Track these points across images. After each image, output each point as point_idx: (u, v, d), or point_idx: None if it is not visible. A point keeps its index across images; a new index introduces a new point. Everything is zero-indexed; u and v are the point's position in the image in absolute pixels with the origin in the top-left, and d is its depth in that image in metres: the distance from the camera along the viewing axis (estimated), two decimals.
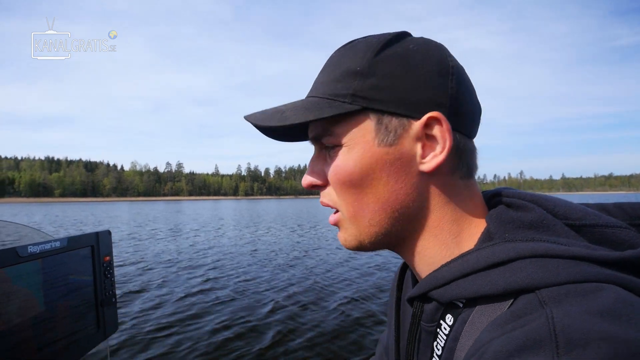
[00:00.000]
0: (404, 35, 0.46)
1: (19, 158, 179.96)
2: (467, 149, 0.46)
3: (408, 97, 0.43)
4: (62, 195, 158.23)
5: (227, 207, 50.39)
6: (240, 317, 4.98)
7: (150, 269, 8.26)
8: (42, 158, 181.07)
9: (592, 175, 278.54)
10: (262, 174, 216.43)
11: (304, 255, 9.79)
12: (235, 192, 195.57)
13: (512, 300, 0.38)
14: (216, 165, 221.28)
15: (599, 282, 0.35)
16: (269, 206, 54.46)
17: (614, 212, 0.45)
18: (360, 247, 0.48)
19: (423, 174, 0.44)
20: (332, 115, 0.43)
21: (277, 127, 0.45)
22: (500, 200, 0.48)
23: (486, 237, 0.44)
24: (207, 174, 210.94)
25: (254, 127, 0.49)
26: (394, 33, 0.46)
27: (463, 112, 0.45)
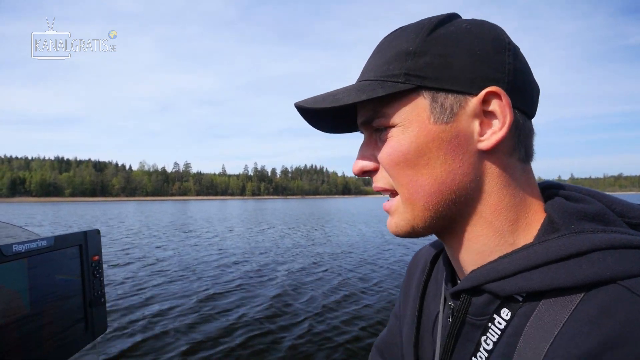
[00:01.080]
0: (455, 16, 0.46)
1: (30, 158, 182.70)
2: (526, 128, 0.44)
3: (463, 73, 0.42)
4: (72, 195, 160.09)
5: (234, 207, 50.39)
6: (231, 319, 4.89)
7: (144, 268, 8.23)
8: (52, 158, 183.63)
9: (601, 176, 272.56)
10: (269, 174, 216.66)
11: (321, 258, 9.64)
12: (242, 192, 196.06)
13: (584, 293, 0.36)
14: (223, 165, 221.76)
15: None
16: (277, 206, 54.35)
17: None
18: (412, 233, 0.46)
19: (481, 152, 0.43)
20: (385, 94, 0.42)
21: (330, 108, 0.44)
22: (556, 192, 0.46)
23: (550, 228, 0.42)
24: (215, 174, 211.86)
25: (306, 117, 0.49)
26: (445, 14, 0.45)
27: (522, 88, 0.43)
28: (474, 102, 0.42)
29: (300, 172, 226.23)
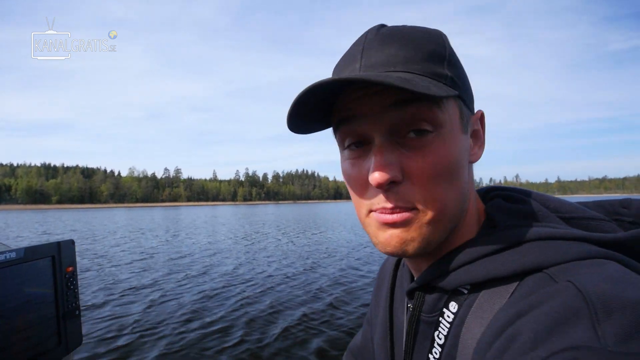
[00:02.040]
0: None
1: (15, 165, 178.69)
2: None
3: (469, 92, 0.45)
4: (59, 202, 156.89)
5: (225, 213, 49.87)
6: (214, 329, 4.72)
7: (123, 278, 7.95)
8: (39, 164, 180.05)
9: (586, 179, 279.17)
10: (261, 179, 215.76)
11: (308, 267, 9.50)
12: (233, 198, 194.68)
13: (517, 283, 0.39)
14: (214, 170, 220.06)
15: (600, 259, 0.37)
16: (269, 211, 53.99)
17: (594, 208, 0.49)
18: (421, 251, 0.42)
19: (468, 166, 0.45)
20: (447, 95, 0.39)
21: (402, 87, 0.35)
22: (497, 194, 0.50)
23: (489, 225, 0.45)
24: (205, 180, 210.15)
25: (299, 108, 0.41)
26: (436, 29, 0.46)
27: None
28: (473, 119, 0.46)
29: (291, 177, 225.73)
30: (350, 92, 0.41)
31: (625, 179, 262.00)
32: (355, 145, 0.43)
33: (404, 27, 0.44)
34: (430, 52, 0.41)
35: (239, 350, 4.07)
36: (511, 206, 0.46)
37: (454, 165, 0.41)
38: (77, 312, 0.71)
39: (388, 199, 0.41)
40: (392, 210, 0.41)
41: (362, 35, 0.44)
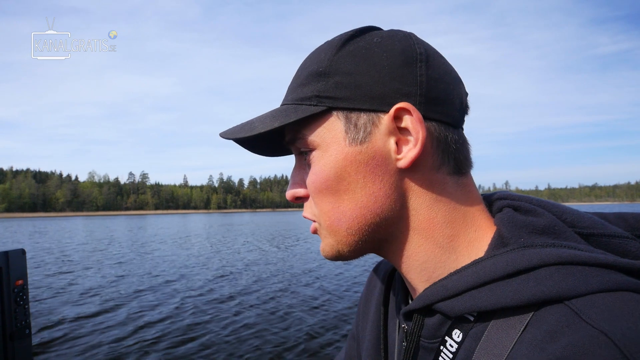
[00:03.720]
0: (369, 29, 0.46)
1: None
2: (450, 139, 0.44)
3: (373, 90, 0.42)
4: (8, 210, 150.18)
5: (196, 223, 48.99)
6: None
7: (83, 294, 7.74)
8: None
9: (576, 186, 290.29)
10: (236, 185, 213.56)
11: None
12: (206, 205, 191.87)
13: (532, 313, 0.36)
14: (185, 175, 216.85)
15: (630, 292, 0.34)
16: (247, 221, 53.39)
17: (616, 222, 0.45)
18: (340, 257, 0.47)
19: (402, 171, 0.44)
20: (297, 119, 0.43)
21: (246, 138, 0.46)
22: (506, 204, 0.47)
23: (499, 243, 0.42)
24: (175, 186, 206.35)
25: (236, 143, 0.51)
26: (358, 28, 0.46)
27: (440, 98, 0.44)
28: (385, 119, 0.43)
29: (270, 183, 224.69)
30: None
31: (615, 186, 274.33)
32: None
33: (313, 51, 0.48)
34: (308, 73, 0.45)
35: None
36: (524, 219, 0.42)
37: (335, 179, 0.44)
38: (27, 332, 0.68)
39: (303, 210, 0.49)
40: (309, 219, 0.49)
41: None
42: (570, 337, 0.32)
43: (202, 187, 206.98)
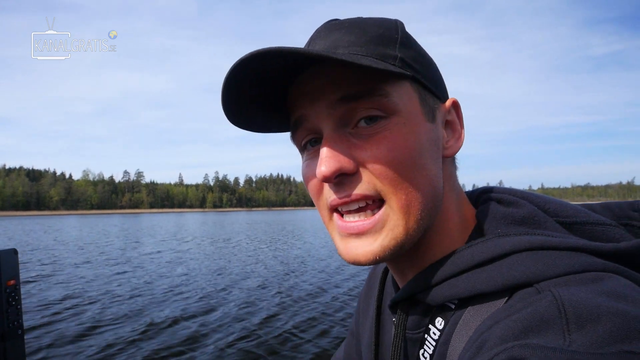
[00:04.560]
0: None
1: None
2: None
3: (436, 77, 0.44)
4: (1, 208, 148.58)
5: (191, 221, 48.72)
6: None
7: (76, 294, 7.65)
8: None
9: (569, 185, 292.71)
10: (232, 184, 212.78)
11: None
12: (202, 204, 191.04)
13: (507, 298, 0.38)
14: (180, 174, 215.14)
15: (598, 272, 0.35)
16: (243, 219, 53.16)
17: (601, 212, 0.46)
18: (399, 252, 0.42)
19: (444, 160, 0.44)
20: (390, 70, 0.38)
21: (328, 57, 0.36)
22: (489, 197, 0.48)
23: (478, 233, 0.44)
24: (171, 184, 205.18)
25: (232, 99, 0.42)
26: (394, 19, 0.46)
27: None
28: (443, 107, 0.44)
29: (265, 182, 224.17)
30: (299, 88, 0.42)
31: (608, 186, 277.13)
32: (310, 144, 0.45)
33: (356, 18, 0.45)
34: (378, 35, 0.42)
35: None
36: (503, 211, 0.44)
37: (415, 153, 0.40)
38: (19, 332, 0.67)
39: (338, 192, 0.42)
40: (356, 211, 0.42)
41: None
42: (521, 303, 0.34)
43: (197, 185, 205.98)
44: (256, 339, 4.84)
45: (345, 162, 0.40)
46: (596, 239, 0.41)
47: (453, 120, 0.44)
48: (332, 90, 0.40)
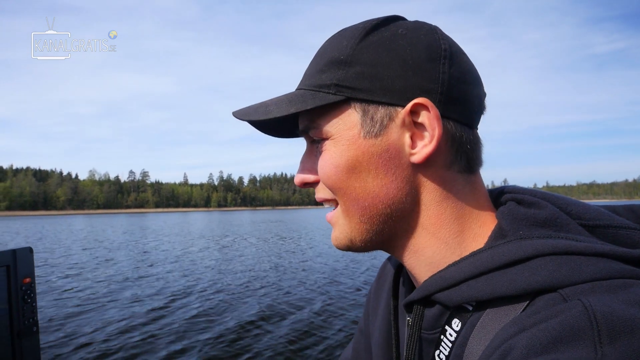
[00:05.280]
0: (394, 19, 0.45)
1: None
2: (465, 139, 0.44)
3: (393, 84, 0.42)
4: (9, 208, 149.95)
5: (196, 221, 48.93)
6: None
7: (86, 291, 7.78)
8: None
9: (574, 184, 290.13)
10: (236, 184, 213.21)
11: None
12: (207, 203, 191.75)
13: (527, 302, 0.37)
14: (185, 174, 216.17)
15: (625, 279, 0.34)
16: (247, 219, 53.30)
17: (625, 214, 0.45)
18: (352, 247, 0.48)
19: (415, 166, 0.44)
20: (314, 107, 0.43)
21: (261, 121, 0.46)
22: (510, 197, 0.47)
23: (498, 235, 0.43)
24: (176, 184, 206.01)
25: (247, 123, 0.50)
26: (382, 17, 0.45)
27: (459, 98, 0.43)
28: (402, 113, 0.42)
29: (269, 181, 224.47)
30: None
31: (613, 184, 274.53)
32: None
33: (334, 34, 0.48)
34: (326, 61, 0.45)
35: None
36: (524, 212, 0.43)
37: (346, 169, 0.44)
38: (34, 329, 0.68)
39: (315, 193, 0.50)
40: (323, 200, 0.50)
41: None
42: (548, 310, 0.33)
43: (202, 185, 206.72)
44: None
45: (307, 175, 0.50)
46: (620, 243, 0.40)
47: (422, 123, 0.42)
48: (299, 123, 0.49)
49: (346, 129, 0.44)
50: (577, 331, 0.29)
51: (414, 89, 0.42)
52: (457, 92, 0.43)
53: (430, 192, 0.44)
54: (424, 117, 0.42)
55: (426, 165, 0.44)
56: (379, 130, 0.43)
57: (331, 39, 0.47)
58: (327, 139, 0.45)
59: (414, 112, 0.42)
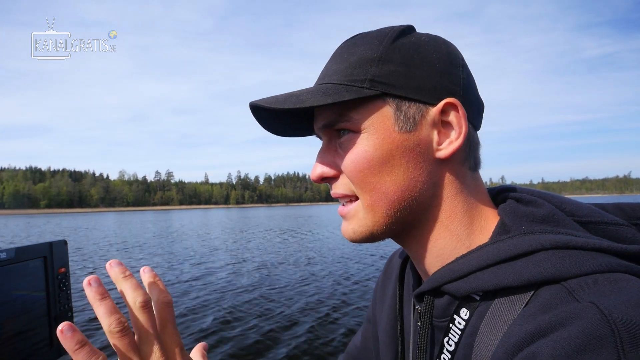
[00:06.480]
0: (412, 29, 0.48)
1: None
2: (475, 140, 0.47)
3: (425, 83, 0.43)
4: (48, 206, 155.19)
5: (217, 217, 49.02)
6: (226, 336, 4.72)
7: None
8: (24, 168, 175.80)
9: (568, 180, 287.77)
10: (253, 182, 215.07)
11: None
12: (226, 201, 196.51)
13: (532, 292, 0.38)
14: (206, 173, 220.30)
15: (622, 273, 0.36)
16: (264, 215, 53.29)
17: (614, 212, 0.47)
18: (370, 238, 0.47)
19: (438, 161, 0.45)
20: (351, 98, 0.43)
21: (295, 109, 0.43)
22: (508, 196, 0.49)
23: (502, 230, 0.44)
24: (197, 183, 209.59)
25: (259, 117, 0.49)
26: (404, 25, 0.47)
27: (472, 102, 0.46)
28: (433, 112, 0.44)
29: (283, 180, 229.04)
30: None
31: (605, 179, 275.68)
32: None
33: (353, 37, 0.48)
34: (357, 59, 0.45)
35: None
36: (525, 209, 0.44)
37: (377, 162, 0.44)
38: (69, 314, 0.69)
39: (331, 189, 0.50)
40: (341, 197, 0.48)
41: None
42: (561, 309, 0.34)
43: (221, 184, 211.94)
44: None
45: (326, 170, 0.48)
46: (609, 237, 0.42)
47: (450, 121, 0.44)
48: (318, 120, 0.48)
49: (380, 122, 0.44)
50: (600, 339, 0.29)
51: (442, 89, 0.43)
52: (470, 96, 0.46)
53: (447, 186, 0.45)
54: (452, 116, 0.43)
55: (447, 161, 0.45)
56: (412, 126, 0.43)
57: (355, 41, 0.47)
58: (358, 132, 0.45)
59: (444, 111, 0.43)
